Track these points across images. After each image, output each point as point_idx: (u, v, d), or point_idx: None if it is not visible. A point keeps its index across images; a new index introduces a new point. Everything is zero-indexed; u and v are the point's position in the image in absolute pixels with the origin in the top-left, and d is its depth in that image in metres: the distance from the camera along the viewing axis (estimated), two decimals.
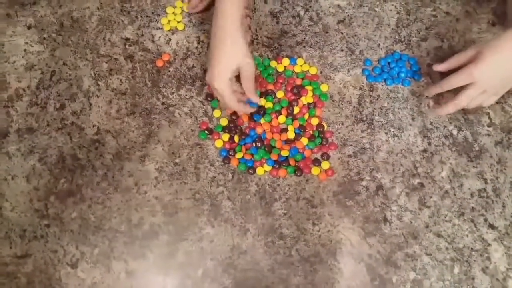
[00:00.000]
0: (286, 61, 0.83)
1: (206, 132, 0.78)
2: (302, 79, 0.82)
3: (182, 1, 0.89)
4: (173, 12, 0.88)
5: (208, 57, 0.73)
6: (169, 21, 0.87)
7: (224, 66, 0.70)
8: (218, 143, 0.77)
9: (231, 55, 0.70)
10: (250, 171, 0.76)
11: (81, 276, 0.71)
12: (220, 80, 0.70)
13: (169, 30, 0.87)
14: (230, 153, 0.76)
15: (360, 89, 0.82)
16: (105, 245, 0.73)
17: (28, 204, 0.75)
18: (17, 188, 0.76)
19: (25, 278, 0.71)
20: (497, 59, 0.67)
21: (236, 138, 0.78)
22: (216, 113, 0.80)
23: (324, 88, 0.81)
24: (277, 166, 0.76)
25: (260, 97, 0.80)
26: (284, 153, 0.75)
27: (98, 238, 0.73)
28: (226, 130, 0.78)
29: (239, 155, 0.76)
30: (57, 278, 0.71)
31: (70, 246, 0.73)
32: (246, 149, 0.77)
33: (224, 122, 0.79)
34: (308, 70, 0.83)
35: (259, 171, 0.76)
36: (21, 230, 0.74)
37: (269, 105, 0.79)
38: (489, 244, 0.72)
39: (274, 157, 0.76)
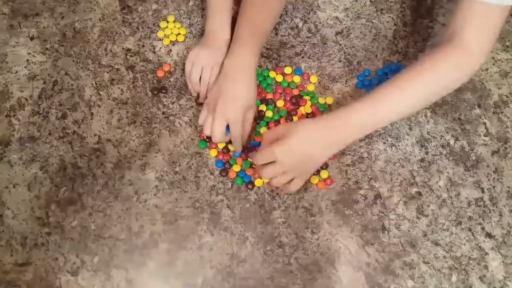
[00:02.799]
0: (288, 70, 0.84)
1: (206, 140, 0.79)
2: (299, 90, 0.83)
3: (197, 102, 0.84)
4: (167, 27, 0.89)
5: (220, 89, 0.75)
6: (165, 34, 0.88)
7: (243, 100, 0.74)
8: (213, 152, 0.78)
9: (249, 93, 0.75)
10: (248, 187, 0.76)
11: (82, 284, 0.72)
12: (238, 111, 0.73)
13: (169, 44, 0.88)
14: (226, 165, 0.77)
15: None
16: (105, 253, 0.73)
17: (29, 212, 0.76)
18: (19, 196, 0.77)
19: (25, 285, 0.72)
20: (296, 140, 0.66)
21: (231, 147, 0.79)
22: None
23: (329, 100, 0.82)
24: None
25: (261, 104, 0.81)
26: None
27: (99, 246, 0.74)
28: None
29: (236, 168, 0.77)
30: (57, 286, 0.72)
31: (70, 254, 0.73)
32: (243, 160, 0.78)
33: None
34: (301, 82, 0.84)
35: (258, 182, 0.76)
36: (22, 238, 0.74)
37: (269, 114, 0.80)
38: (486, 253, 0.72)
39: None
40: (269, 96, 0.82)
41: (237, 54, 0.76)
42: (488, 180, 0.77)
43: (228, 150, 0.79)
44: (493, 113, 0.81)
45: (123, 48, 0.88)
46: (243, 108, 0.73)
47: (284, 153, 0.66)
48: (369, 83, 0.83)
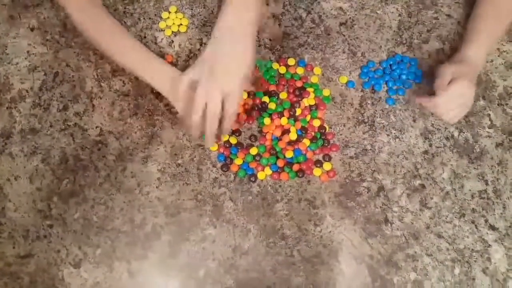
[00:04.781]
0: (291, 61, 0.83)
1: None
2: (302, 81, 0.82)
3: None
4: (168, 17, 0.88)
5: (206, 59, 0.67)
6: (167, 25, 0.87)
7: (236, 71, 0.65)
8: (213, 147, 0.78)
9: (250, 60, 0.66)
10: (251, 179, 0.76)
11: (84, 276, 0.72)
12: (235, 84, 0.65)
13: (171, 35, 0.87)
14: (227, 160, 0.77)
15: (362, 91, 0.82)
16: (108, 245, 0.73)
17: (31, 204, 0.76)
18: (20, 188, 0.77)
19: (28, 278, 0.72)
20: (468, 81, 0.72)
21: (233, 140, 0.78)
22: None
23: (325, 92, 0.81)
24: (279, 170, 0.76)
25: (264, 95, 0.81)
26: (289, 154, 0.76)
27: (101, 238, 0.74)
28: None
29: (238, 161, 0.77)
30: (60, 278, 0.72)
31: (72, 246, 0.73)
32: (245, 154, 0.77)
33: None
34: (305, 74, 0.83)
35: (261, 175, 0.76)
36: (24, 230, 0.74)
37: (272, 106, 0.80)
38: (489, 245, 0.72)
39: (280, 163, 0.76)
40: (272, 87, 0.82)
41: (235, 11, 0.65)
42: (492, 172, 0.77)
43: (230, 145, 0.78)
44: (498, 105, 0.81)
45: None
46: (243, 80, 0.66)
47: (472, 87, 0.72)
48: (373, 74, 0.83)
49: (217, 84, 0.66)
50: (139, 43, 0.79)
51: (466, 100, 0.73)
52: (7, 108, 0.82)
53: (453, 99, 0.72)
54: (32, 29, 0.88)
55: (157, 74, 0.76)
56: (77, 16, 0.78)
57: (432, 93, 0.73)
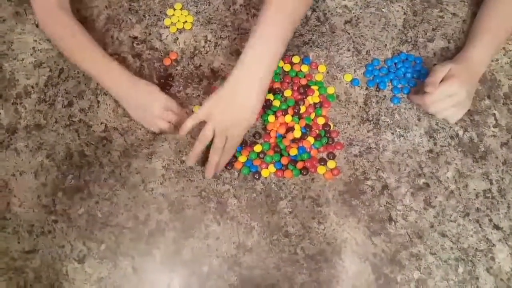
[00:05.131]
0: (296, 59, 0.83)
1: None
2: (307, 79, 0.82)
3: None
4: (173, 14, 0.88)
5: (222, 97, 0.70)
6: (172, 22, 0.88)
7: (251, 121, 0.72)
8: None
9: (255, 113, 0.71)
10: (255, 176, 0.76)
11: (88, 272, 0.72)
12: (240, 130, 0.72)
13: (175, 32, 0.87)
14: (232, 158, 0.77)
15: (367, 89, 0.82)
16: (112, 241, 0.73)
17: (36, 200, 0.76)
18: (25, 184, 0.77)
19: (32, 273, 0.72)
20: (466, 78, 0.74)
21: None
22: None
23: (330, 90, 0.81)
24: (283, 168, 0.76)
25: (269, 93, 0.81)
26: (293, 151, 0.76)
27: (105, 234, 0.74)
28: None
29: (242, 159, 0.77)
30: (64, 273, 0.72)
31: (77, 242, 0.73)
32: (249, 152, 0.77)
33: None
34: (310, 72, 0.83)
35: (265, 173, 0.76)
36: (29, 226, 0.75)
37: (276, 103, 0.80)
38: (493, 245, 0.72)
39: (284, 161, 0.76)
40: (277, 85, 0.82)
41: (250, 64, 0.69)
42: (497, 171, 0.76)
43: None
44: (503, 104, 0.81)
45: (129, 36, 0.87)
46: (247, 128, 0.73)
47: (463, 86, 0.73)
48: (378, 73, 0.82)
49: (227, 124, 0.71)
50: (101, 50, 0.79)
51: (460, 99, 0.73)
52: (12, 103, 0.82)
53: (443, 99, 0.73)
54: (37, 25, 0.88)
55: (118, 83, 0.78)
56: (41, 18, 0.80)
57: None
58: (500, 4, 0.78)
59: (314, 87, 0.81)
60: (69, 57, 0.80)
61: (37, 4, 0.79)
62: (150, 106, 0.76)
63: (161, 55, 0.85)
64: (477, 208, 0.74)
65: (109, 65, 0.77)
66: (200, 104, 0.81)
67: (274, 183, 0.76)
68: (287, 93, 0.81)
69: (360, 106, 0.81)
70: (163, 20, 0.88)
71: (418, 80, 0.82)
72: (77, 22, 0.80)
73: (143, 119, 0.78)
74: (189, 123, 0.71)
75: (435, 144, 0.78)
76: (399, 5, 0.88)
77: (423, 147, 0.78)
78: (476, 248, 0.72)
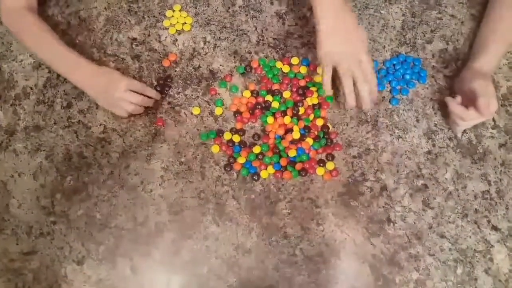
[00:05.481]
0: (295, 60, 0.83)
1: (215, 132, 0.79)
2: (306, 80, 0.82)
3: None
4: (172, 16, 0.88)
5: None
6: (171, 24, 0.88)
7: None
8: (215, 149, 0.78)
9: None
10: (254, 178, 0.76)
11: (87, 273, 0.72)
12: None
13: (174, 33, 0.87)
14: (230, 159, 0.77)
15: None
16: (111, 242, 0.73)
17: (34, 201, 0.76)
18: (24, 185, 0.77)
19: (31, 274, 0.72)
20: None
21: (236, 138, 0.78)
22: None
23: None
24: (282, 169, 0.76)
25: (267, 94, 0.81)
26: (292, 153, 0.76)
27: (104, 235, 0.74)
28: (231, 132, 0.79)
29: (241, 160, 0.77)
30: (63, 275, 0.72)
31: (76, 243, 0.73)
32: (248, 153, 0.77)
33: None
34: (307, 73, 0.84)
35: (264, 174, 0.76)
36: (28, 227, 0.75)
37: (275, 104, 0.80)
38: (492, 246, 0.72)
39: (283, 162, 0.76)
40: (276, 86, 0.82)
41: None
42: (495, 173, 0.77)
43: (233, 143, 0.78)
44: (501, 105, 0.81)
45: (128, 37, 0.87)
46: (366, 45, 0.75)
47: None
48: (376, 74, 0.82)
49: (350, 51, 0.74)
50: (67, 48, 0.79)
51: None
52: (11, 105, 0.82)
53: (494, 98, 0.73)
54: None
55: (82, 74, 0.79)
56: (8, 16, 0.81)
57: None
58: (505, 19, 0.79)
59: (313, 89, 0.81)
60: (36, 54, 0.81)
61: (5, 3, 0.81)
62: (111, 89, 0.77)
63: (160, 56, 0.85)
64: (476, 209, 0.74)
65: (75, 60, 0.78)
66: (199, 105, 0.81)
67: (273, 184, 0.76)
68: (286, 94, 0.81)
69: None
70: (162, 21, 0.88)
71: (416, 81, 0.82)
72: (42, 21, 0.81)
73: (109, 105, 0.79)
74: (327, 82, 0.75)
75: (433, 145, 0.78)
76: (398, 7, 0.89)
77: (422, 148, 0.78)
78: (474, 249, 0.72)
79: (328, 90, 0.77)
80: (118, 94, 0.76)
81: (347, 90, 0.73)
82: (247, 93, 0.81)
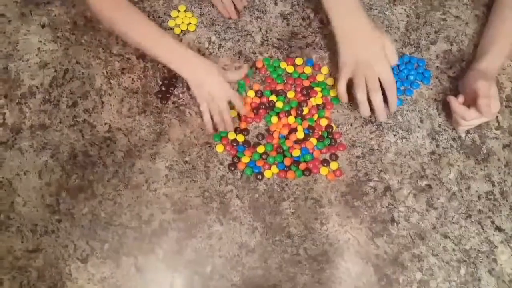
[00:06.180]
0: (299, 61, 0.84)
1: (226, 131, 0.79)
2: (310, 81, 0.82)
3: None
4: (177, 16, 0.89)
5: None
6: (176, 24, 0.88)
7: None
8: (219, 148, 0.78)
9: None
10: (258, 177, 0.76)
11: (91, 271, 0.72)
12: None
13: (179, 33, 0.88)
14: (234, 159, 0.77)
15: None
16: (115, 240, 0.74)
17: (39, 199, 0.76)
18: (29, 183, 0.77)
19: (36, 272, 0.73)
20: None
21: (240, 138, 0.79)
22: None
23: (333, 93, 0.81)
24: (286, 169, 0.77)
25: (271, 94, 0.82)
26: (296, 152, 0.76)
27: (108, 233, 0.74)
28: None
29: (245, 160, 0.77)
30: (67, 273, 0.72)
31: (80, 241, 0.74)
32: (252, 153, 0.78)
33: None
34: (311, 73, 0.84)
35: (267, 173, 0.76)
36: (33, 225, 0.75)
37: (279, 105, 0.80)
38: (495, 246, 0.72)
39: (287, 162, 0.76)
40: (280, 87, 0.82)
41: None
42: (499, 173, 0.77)
43: (237, 143, 0.79)
44: (505, 106, 0.81)
45: None
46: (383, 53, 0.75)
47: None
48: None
49: (369, 59, 0.75)
50: (171, 36, 0.78)
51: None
52: (17, 103, 0.83)
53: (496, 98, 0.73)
54: (43, 26, 0.89)
55: (193, 68, 0.77)
56: (107, 15, 0.78)
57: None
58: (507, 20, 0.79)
59: (317, 89, 0.81)
60: (138, 44, 0.79)
61: (102, 4, 0.78)
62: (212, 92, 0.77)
63: None
64: (479, 210, 0.74)
65: (185, 52, 0.77)
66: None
67: (276, 184, 0.76)
68: (290, 94, 0.81)
69: None
70: (167, 21, 0.89)
71: (420, 82, 0.82)
72: (141, 14, 0.79)
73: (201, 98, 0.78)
74: (342, 91, 0.76)
75: (437, 146, 0.78)
76: (402, 8, 0.89)
77: (426, 148, 0.78)
78: (478, 250, 0.72)
79: (344, 98, 0.77)
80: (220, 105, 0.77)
81: (360, 101, 0.74)
82: (251, 93, 0.81)
